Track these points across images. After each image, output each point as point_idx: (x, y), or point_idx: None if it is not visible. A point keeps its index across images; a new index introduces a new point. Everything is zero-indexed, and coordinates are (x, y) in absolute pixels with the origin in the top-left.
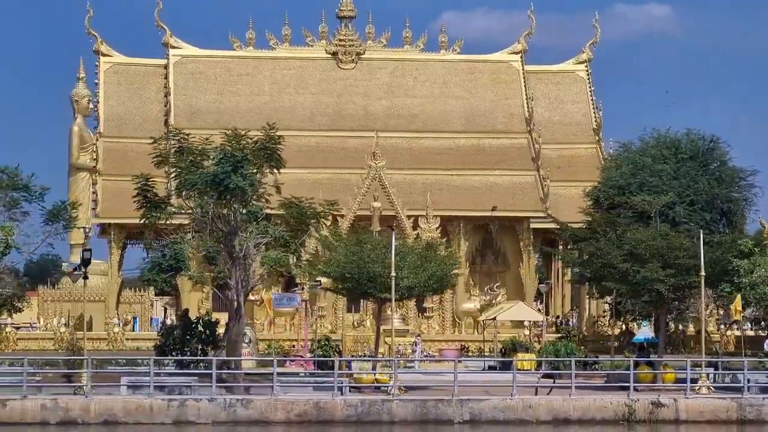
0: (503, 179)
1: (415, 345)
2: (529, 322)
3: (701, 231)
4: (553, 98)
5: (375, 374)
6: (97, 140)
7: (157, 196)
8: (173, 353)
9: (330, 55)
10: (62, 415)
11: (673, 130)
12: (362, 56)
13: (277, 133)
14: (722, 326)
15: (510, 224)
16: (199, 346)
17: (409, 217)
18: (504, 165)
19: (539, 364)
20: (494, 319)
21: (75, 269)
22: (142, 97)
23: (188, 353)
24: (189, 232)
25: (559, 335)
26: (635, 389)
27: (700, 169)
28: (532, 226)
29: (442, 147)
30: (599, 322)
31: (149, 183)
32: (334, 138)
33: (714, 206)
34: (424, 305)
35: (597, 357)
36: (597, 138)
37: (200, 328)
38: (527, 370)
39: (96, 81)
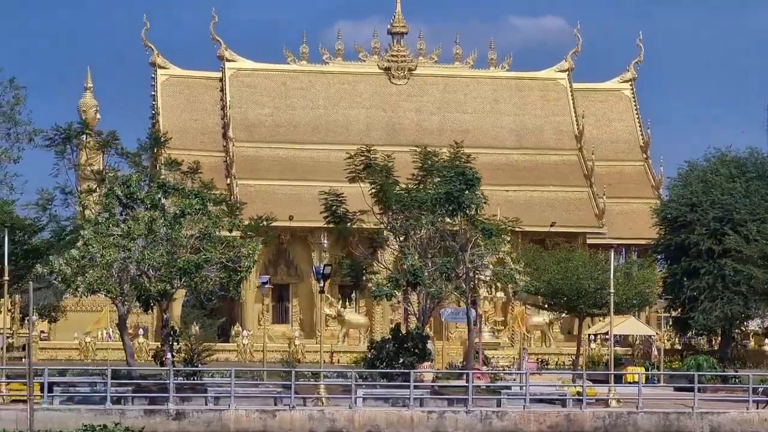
0: (557, 195)
1: (522, 359)
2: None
3: None
4: (600, 116)
5: (575, 387)
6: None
7: (347, 211)
8: (383, 366)
9: (382, 71)
10: (329, 425)
11: (734, 148)
12: (414, 72)
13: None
14: None
15: (566, 240)
16: (411, 360)
17: None
18: (557, 181)
19: (647, 378)
20: (606, 333)
21: (264, 283)
22: (197, 109)
23: (400, 367)
24: (375, 245)
25: (689, 351)
26: None
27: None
28: (588, 241)
29: (496, 162)
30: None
31: (338, 197)
32: (389, 152)
33: None
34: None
35: (737, 371)
36: (645, 156)
37: (412, 342)
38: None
39: (152, 93)
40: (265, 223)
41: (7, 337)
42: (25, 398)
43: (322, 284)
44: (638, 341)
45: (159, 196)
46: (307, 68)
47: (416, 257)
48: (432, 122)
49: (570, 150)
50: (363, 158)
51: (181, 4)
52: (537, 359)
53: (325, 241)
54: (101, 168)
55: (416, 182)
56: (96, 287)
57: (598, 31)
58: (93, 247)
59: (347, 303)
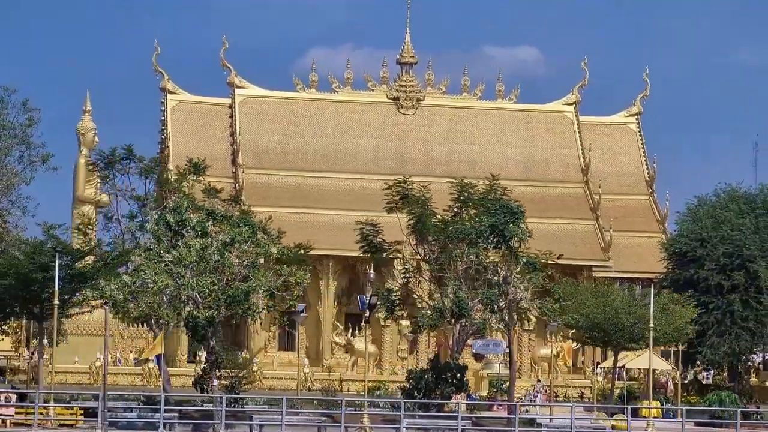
0: (564, 227)
1: (536, 391)
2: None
3: None
4: (606, 149)
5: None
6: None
7: (384, 240)
8: (420, 396)
9: (391, 100)
10: None
11: (746, 184)
12: (422, 102)
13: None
14: None
15: (572, 272)
16: (449, 390)
17: None
18: (563, 213)
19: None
20: (623, 366)
21: (301, 311)
22: (207, 135)
23: (438, 397)
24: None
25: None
26: None
27: None
28: (594, 274)
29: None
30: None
31: (375, 227)
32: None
33: None
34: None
35: (759, 407)
36: (650, 190)
37: (450, 372)
38: (655, 417)
39: (162, 118)
40: (303, 251)
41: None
42: (71, 423)
43: (368, 315)
44: (642, 375)
45: (209, 223)
46: (317, 96)
47: (462, 289)
48: (439, 152)
49: (576, 183)
50: (400, 189)
51: (191, 30)
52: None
53: (372, 273)
54: (145, 193)
55: (452, 214)
56: (148, 313)
57: (604, 65)
58: (145, 273)
59: (356, 332)
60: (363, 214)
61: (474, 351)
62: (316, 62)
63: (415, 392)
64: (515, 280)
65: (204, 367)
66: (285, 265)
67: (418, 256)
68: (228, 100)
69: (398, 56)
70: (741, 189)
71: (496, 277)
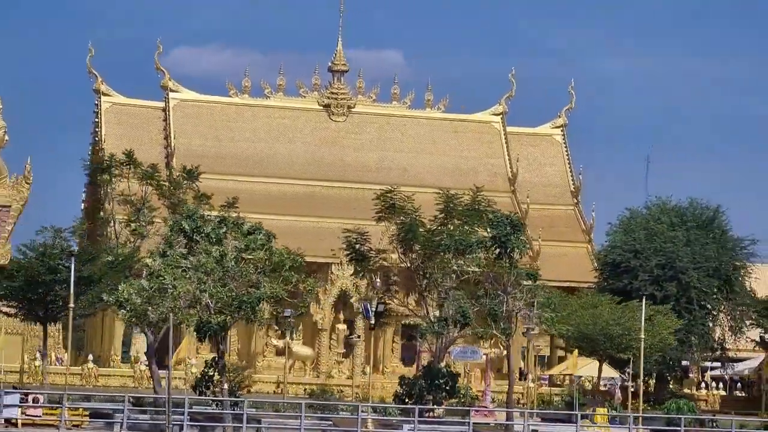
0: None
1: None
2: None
3: None
4: (532, 160)
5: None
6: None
7: (371, 249)
8: (411, 402)
9: (322, 107)
10: None
11: (675, 197)
12: (353, 109)
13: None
14: None
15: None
16: (441, 396)
17: None
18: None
19: (611, 419)
20: (572, 374)
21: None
22: (141, 138)
23: (429, 403)
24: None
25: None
26: None
27: (707, 237)
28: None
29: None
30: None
31: (362, 236)
32: (330, 188)
33: (720, 273)
34: None
35: (714, 416)
36: (576, 200)
37: (442, 378)
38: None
39: (96, 120)
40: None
41: None
42: (80, 423)
43: (373, 322)
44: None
45: (224, 230)
46: (249, 101)
47: (465, 299)
48: (371, 159)
49: (504, 192)
50: (387, 199)
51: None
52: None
53: (378, 281)
54: (141, 198)
55: (439, 224)
56: (167, 317)
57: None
58: (165, 278)
59: (293, 335)
60: (297, 220)
61: (452, 358)
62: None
63: (406, 398)
64: (514, 290)
65: (204, 370)
66: (292, 272)
67: (404, 266)
68: (161, 104)
69: (330, 64)
70: (671, 202)
71: (489, 287)
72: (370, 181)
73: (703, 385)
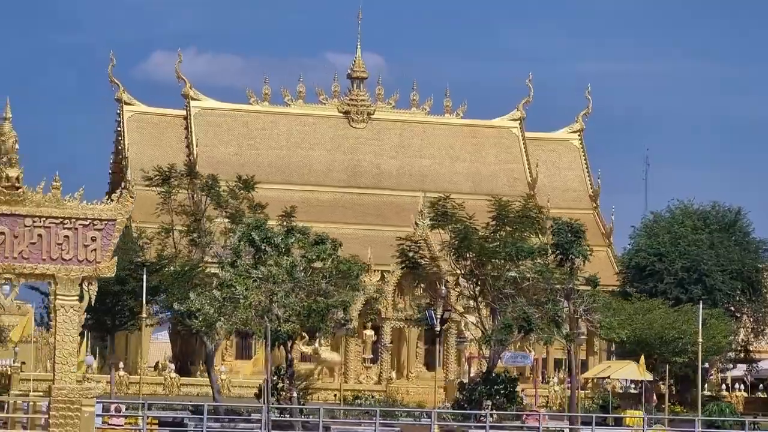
0: None
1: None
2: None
3: None
4: (550, 164)
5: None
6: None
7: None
8: (470, 407)
9: (342, 114)
10: None
11: (698, 201)
12: (372, 116)
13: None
14: None
15: None
16: (501, 402)
17: None
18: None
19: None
20: (608, 377)
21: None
22: (163, 146)
23: (489, 408)
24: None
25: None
26: None
27: (729, 239)
28: None
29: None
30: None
31: (416, 243)
32: (350, 194)
33: (743, 275)
34: None
35: (756, 417)
36: (594, 204)
37: (502, 384)
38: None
39: (118, 129)
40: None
41: None
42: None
43: (439, 329)
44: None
45: (292, 240)
46: (270, 109)
47: (528, 305)
48: (391, 166)
49: (523, 197)
50: (439, 207)
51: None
52: None
53: (444, 289)
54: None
55: (491, 231)
56: (239, 327)
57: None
58: (236, 288)
59: (320, 342)
60: (316, 226)
61: (503, 363)
62: (269, 76)
63: (466, 404)
64: (575, 296)
65: (274, 378)
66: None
67: (457, 272)
68: (183, 112)
69: (349, 71)
70: (693, 206)
71: (550, 294)
72: (390, 187)
73: (723, 386)
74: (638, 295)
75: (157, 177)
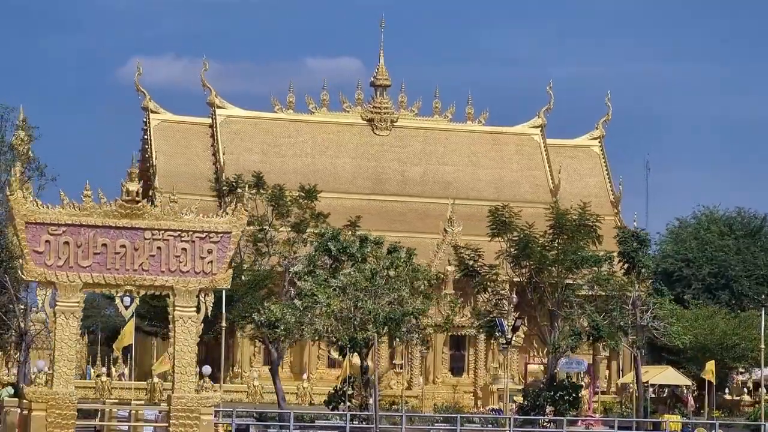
0: None
1: None
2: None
3: None
4: (571, 171)
5: None
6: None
7: (484, 266)
8: (534, 413)
9: (366, 122)
10: None
11: (723, 206)
12: (396, 123)
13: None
14: None
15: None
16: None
17: None
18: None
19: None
20: (647, 382)
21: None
22: (189, 154)
23: (553, 414)
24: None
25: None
26: None
27: (755, 245)
28: None
29: (478, 214)
30: None
31: (476, 252)
32: (375, 201)
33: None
34: None
35: None
36: (616, 210)
37: (565, 390)
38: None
39: (145, 137)
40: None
41: None
42: None
43: (510, 337)
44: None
45: (367, 249)
46: (294, 117)
47: (596, 314)
48: (414, 173)
49: (546, 203)
50: (498, 215)
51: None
52: None
53: (515, 297)
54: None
55: (549, 240)
56: (321, 335)
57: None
58: (318, 296)
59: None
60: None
61: (559, 368)
62: (294, 84)
63: (531, 410)
64: (642, 303)
65: (338, 386)
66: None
67: (516, 280)
68: (208, 120)
69: (372, 78)
70: (718, 212)
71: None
72: (415, 194)
73: (744, 390)
74: (695, 301)
75: (225, 188)
